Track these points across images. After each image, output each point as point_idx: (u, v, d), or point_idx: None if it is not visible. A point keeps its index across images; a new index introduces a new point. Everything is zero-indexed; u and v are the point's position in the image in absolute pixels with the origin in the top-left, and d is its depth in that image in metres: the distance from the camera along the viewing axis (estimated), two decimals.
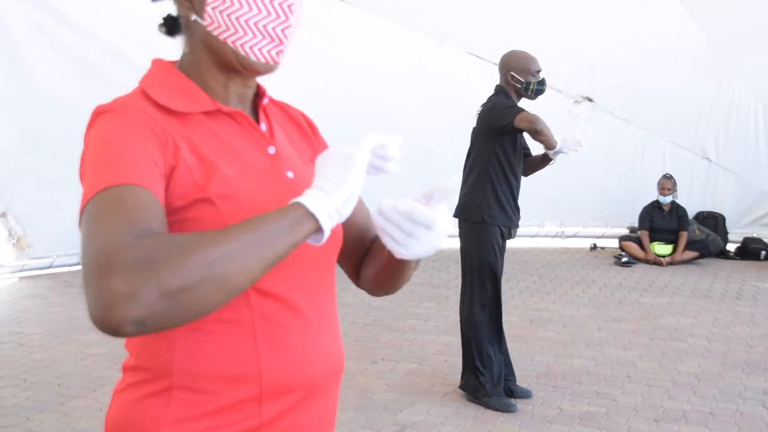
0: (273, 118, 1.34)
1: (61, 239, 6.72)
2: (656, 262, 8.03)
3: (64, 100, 6.44)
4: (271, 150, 1.27)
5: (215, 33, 1.21)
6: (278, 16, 1.20)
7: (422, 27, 7.88)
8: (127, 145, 1.12)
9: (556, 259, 8.31)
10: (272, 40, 1.21)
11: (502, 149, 4.15)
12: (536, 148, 4.39)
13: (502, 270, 4.33)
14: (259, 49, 1.21)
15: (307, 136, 1.42)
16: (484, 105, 4.24)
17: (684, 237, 8.15)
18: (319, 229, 1.09)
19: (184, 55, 1.29)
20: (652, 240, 8.22)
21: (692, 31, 7.92)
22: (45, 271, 6.83)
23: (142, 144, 1.13)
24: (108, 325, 0.96)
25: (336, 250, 1.35)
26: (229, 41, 1.20)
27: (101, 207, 1.05)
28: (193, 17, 1.23)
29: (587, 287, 6.99)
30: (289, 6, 1.21)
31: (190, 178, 1.15)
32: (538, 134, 4.05)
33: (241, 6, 1.18)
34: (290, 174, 1.28)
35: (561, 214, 9.00)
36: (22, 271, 6.77)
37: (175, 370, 1.18)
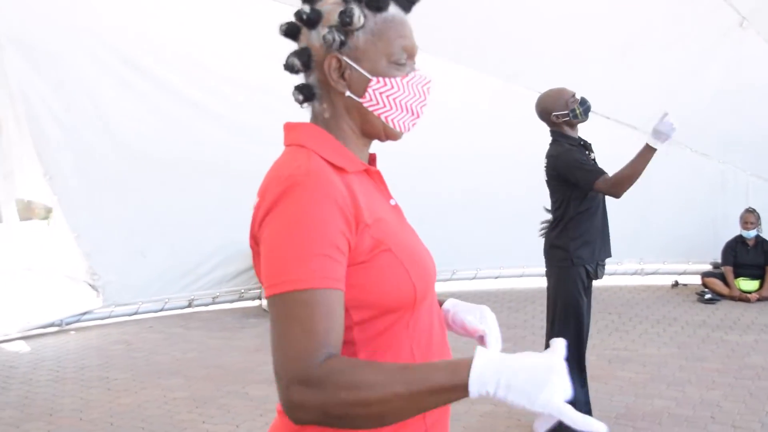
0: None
1: (145, 286, 6.97)
2: (742, 298, 7.79)
3: (144, 151, 6.73)
4: (392, 202, 1.49)
5: (371, 109, 1.41)
6: (421, 96, 1.44)
7: (491, 69, 7.95)
8: (320, 232, 1.24)
9: (636, 297, 8.15)
10: (412, 114, 1.45)
11: (579, 191, 4.13)
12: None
13: (588, 311, 4.28)
14: (403, 122, 1.44)
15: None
16: (550, 154, 4.22)
17: None
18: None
19: (324, 120, 1.44)
20: (736, 276, 7.98)
21: None
22: (130, 318, 7.07)
23: (334, 230, 1.26)
24: (287, 412, 1.21)
25: None
26: (382, 116, 1.42)
27: (292, 310, 1.21)
28: (348, 93, 1.40)
29: (668, 325, 6.83)
30: (429, 88, 1.46)
31: (370, 236, 1.32)
32: (628, 185, 4.02)
33: (399, 89, 1.41)
34: (407, 220, 1.52)
35: (640, 250, 8.82)
36: (109, 317, 7.02)
37: None
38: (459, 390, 1.15)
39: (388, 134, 1.45)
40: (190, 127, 6.99)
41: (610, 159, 7.80)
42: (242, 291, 7.80)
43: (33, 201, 7.01)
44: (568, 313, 4.16)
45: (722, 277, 8.04)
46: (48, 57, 6.54)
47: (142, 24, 6.67)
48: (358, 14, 1.36)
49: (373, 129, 1.44)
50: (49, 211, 7.12)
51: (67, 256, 6.96)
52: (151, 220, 6.93)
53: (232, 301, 7.72)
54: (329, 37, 1.37)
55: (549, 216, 4.37)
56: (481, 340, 1.51)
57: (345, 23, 1.36)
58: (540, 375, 1.14)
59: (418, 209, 7.84)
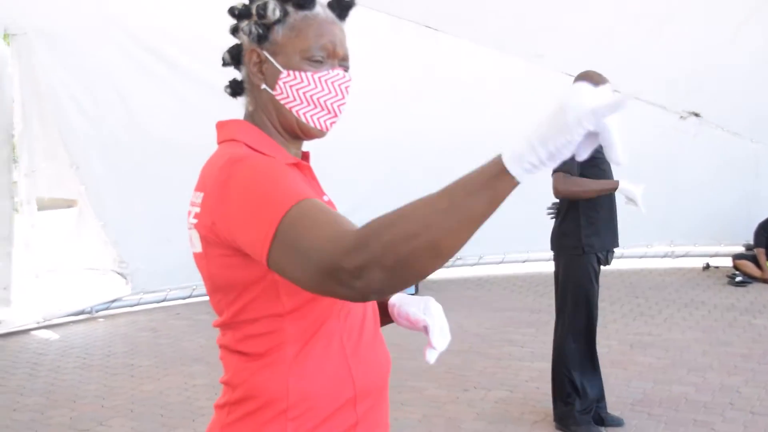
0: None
1: (173, 273, 7.07)
2: None
3: (170, 139, 6.81)
4: (326, 198, 1.49)
5: (282, 102, 1.45)
6: (336, 93, 1.45)
7: (516, 49, 7.88)
8: (282, 174, 1.30)
9: (666, 280, 8.05)
10: (326, 111, 1.45)
11: (589, 178, 4.09)
12: None
13: (597, 297, 4.25)
14: (316, 118, 1.45)
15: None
16: None
17: None
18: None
19: (249, 114, 1.51)
20: None
21: None
22: (159, 305, 7.20)
23: (287, 171, 1.32)
24: (352, 296, 1.16)
25: None
26: (293, 110, 1.45)
27: (295, 228, 1.20)
28: (263, 86, 1.46)
29: (695, 309, 6.74)
30: (346, 87, 1.46)
31: None
32: (572, 196, 4.05)
33: (309, 83, 1.43)
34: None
35: (670, 233, 8.72)
36: (138, 305, 7.15)
37: (290, 393, 1.36)
38: (501, 175, 1.10)
39: (303, 129, 1.46)
40: (214, 114, 7.02)
41: (636, 139, 7.77)
42: None
43: (54, 198, 7.13)
44: (578, 302, 4.13)
45: (754, 259, 7.92)
46: (74, 49, 6.63)
47: (167, 14, 6.73)
48: (272, 7, 1.41)
49: (288, 123, 1.46)
50: (71, 203, 7.23)
51: (91, 247, 7.08)
52: (177, 207, 6.94)
53: None
54: (247, 29, 1.44)
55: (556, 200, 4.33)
56: (426, 331, 1.50)
57: (260, 15, 1.42)
58: (558, 105, 1.09)
59: None
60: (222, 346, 1.44)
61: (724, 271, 8.23)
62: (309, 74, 1.43)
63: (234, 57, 1.50)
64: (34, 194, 6.67)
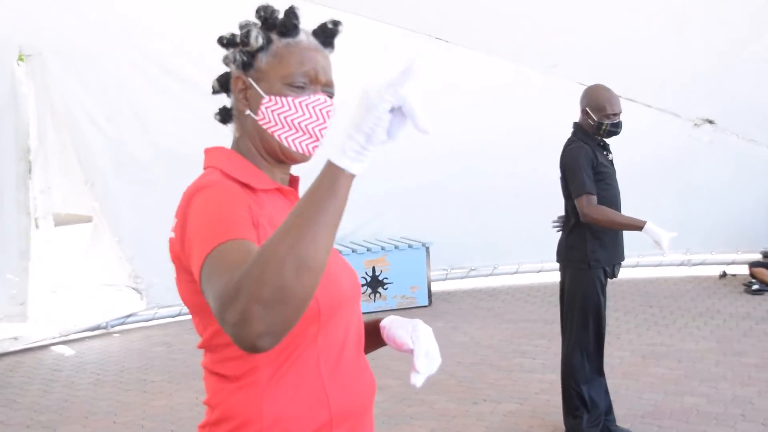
0: None
1: None
2: None
3: (184, 154, 6.85)
4: None
5: (264, 126, 1.48)
6: (318, 118, 1.48)
7: (529, 60, 7.88)
8: (231, 208, 1.33)
9: (681, 288, 7.99)
10: (308, 135, 1.48)
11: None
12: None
13: (605, 309, 4.23)
14: (298, 142, 1.48)
15: None
16: (564, 148, 4.18)
17: None
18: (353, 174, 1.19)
19: (236, 140, 1.55)
20: None
21: None
22: (174, 319, 7.25)
23: (241, 208, 1.35)
24: (247, 348, 1.15)
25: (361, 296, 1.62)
26: (275, 134, 1.48)
27: (215, 261, 1.23)
28: (248, 112, 1.50)
29: (710, 318, 6.69)
30: (327, 112, 1.49)
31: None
32: (602, 224, 4.02)
33: (290, 108, 1.47)
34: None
35: (686, 241, 8.61)
36: (153, 319, 7.21)
37: (264, 415, 1.37)
38: (335, 173, 1.18)
39: (285, 153, 1.49)
40: (228, 130, 7.09)
41: (650, 147, 7.75)
42: None
43: (71, 213, 7.21)
44: (587, 314, 4.12)
45: None
46: (88, 68, 6.72)
47: (181, 30, 6.79)
48: (255, 35, 1.46)
49: (271, 148, 1.49)
50: (87, 219, 7.31)
51: (107, 262, 7.15)
52: None
53: None
54: (232, 56, 1.49)
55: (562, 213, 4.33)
56: (412, 354, 1.51)
57: (244, 43, 1.47)
58: (362, 90, 1.18)
59: (459, 203, 7.93)
60: (203, 367, 1.47)
61: (740, 279, 8.15)
62: (290, 99, 1.46)
63: (222, 85, 1.56)
64: (50, 210, 6.75)
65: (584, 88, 4.26)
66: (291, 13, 1.49)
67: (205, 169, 1.50)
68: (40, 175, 6.81)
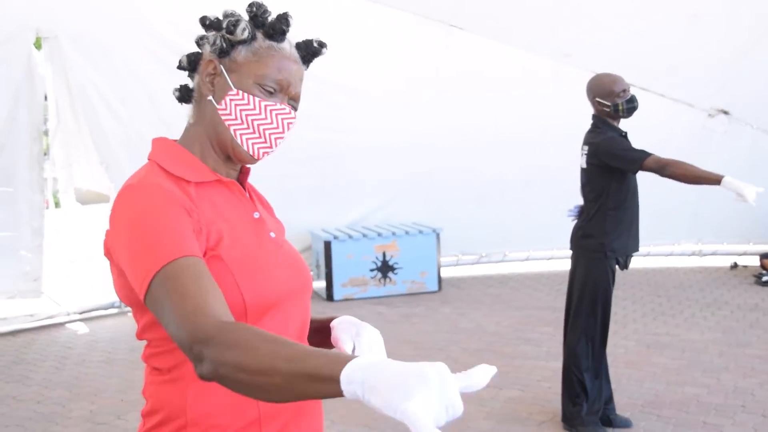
0: (252, 192, 1.60)
1: None
2: None
3: None
4: (256, 215, 1.50)
5: (223, 117, 1.46)
6: (278, 126, 1.47)
7: (543, 49, 7.87)
8: (169, 218, 1.31)
9: (691, 279, 7.99)
10: (263, 140, 1.47)
11: (617, 182, 4.10)
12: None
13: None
14: (252, 143, 1.46)
15: (272, 211, 1.66)
16: (591, 141, 4.18)
17: None
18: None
19: (189, 126, 1.52)
20: None
21: None
22: None
23: (178, 216, 1.33)
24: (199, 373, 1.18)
25: (310, 293, 1.57)
26: (231, 128, 1.46)
27: (163, 289, 1.23)
28: (209, 97, 1.47)
29: (718, 309, 6.70)
30: (288, 124, 1.48)
31: (204, 241, 1.37)
32: (680, 178, 3.99)
33: (254, 108, 1.45)
34: (272, 234, 1.52)
35: (698, 231, 8.64)
36: None
37: (188, 409, 1.38)
38: (333, 383, 1.05)
39: (235, 151, 1.47)
40: None
41: (663, 137, 7.73)
42: None
43: (91, 189, 7.32)
44: (596, 303, 4.15)
45: None
46: (103, 50, 6.79)
47: (194, 14, 6.82)
48: (243, 27, 1.44)
49: (223, 141, 1.47)
50: (106, 198, 7.42)
51: None
52: None
53: None
54: (212, 39, 1.46)
55: (580, 202, 4.35)
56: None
57: (229, 31, 1.44)
58: (406, 383, 0.99)
59: (470, 189, 7.96)
60: (143, 359, 1.46)
61: (751, 270, 8.15)
62: (257, 100, 1.45)
63: (191, 63, 1.52)
64: (71, 185, 6.86)
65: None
66: (284, 18, 1.47)
67: (148, 160, 1.48)
68: (61, 153, 6.91)
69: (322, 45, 1.51)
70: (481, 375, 1.07)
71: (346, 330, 1.48)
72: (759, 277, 7.71)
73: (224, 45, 1.45)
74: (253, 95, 1.45)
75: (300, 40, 1.52)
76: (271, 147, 1.48)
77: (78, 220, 7.10)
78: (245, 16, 1.48)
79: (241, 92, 1.45)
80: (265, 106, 1.45)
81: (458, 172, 8.07)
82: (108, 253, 1.39)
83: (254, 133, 1.46)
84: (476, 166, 8.08)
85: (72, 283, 7.04)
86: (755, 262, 8.20)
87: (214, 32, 1.48)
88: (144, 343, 1.44)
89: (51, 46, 6.69)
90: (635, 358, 5.35)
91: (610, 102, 4.08)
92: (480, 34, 7.75)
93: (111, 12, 6.66)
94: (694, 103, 8.23)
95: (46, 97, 7.03)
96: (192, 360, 1.17)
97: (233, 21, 1.45)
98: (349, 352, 1.43)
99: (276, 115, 1.46)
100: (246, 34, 1.44)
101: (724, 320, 6.33)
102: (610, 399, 4.27)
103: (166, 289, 1.22)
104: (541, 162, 8.00)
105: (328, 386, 1.06)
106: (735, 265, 8.43)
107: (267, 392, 1.12)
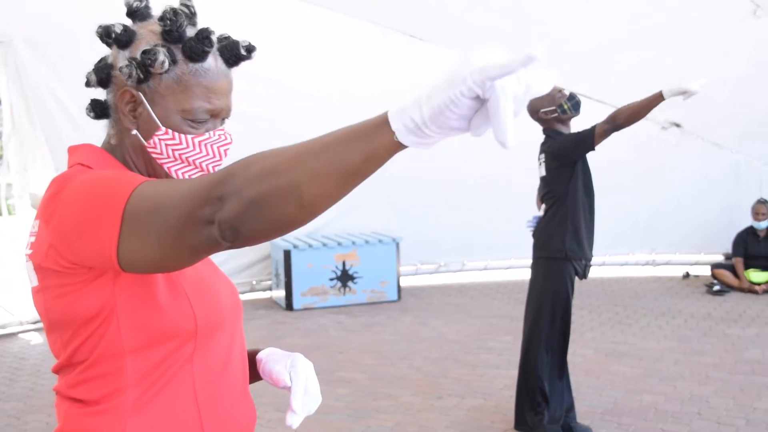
0: None
1: None
2: (751, 290, 7.75)
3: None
4: None
5: (154, 156, 1.31)
6: (215, 156, 1.33)
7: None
8: (117, 173, 1.21)
9: (645, 288, 8.14)
10: (201, 170, 1.33)
11: (573, 186, 4.17)
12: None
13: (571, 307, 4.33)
14: (189, 176, 1.33)
15: None
16: (546, 149, 4.26)
17: None
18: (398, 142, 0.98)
19: (111, 146, 1.35)
20: (747, 267, 7.94)
21: None
22: None
23: (128, 172, 1.25)
24: (217, 234, 1.03)
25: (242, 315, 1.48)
26: (164, 166, 1.32)
27: (146, 197, 1.09)
28: (134, 132, 1.30)
29: (672, 318, 6.83)
30: (225, 150, 1.34)
31: None
32: (630, 119, 4.10)
33: (188, 146, 1.30)
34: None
35: (652, 241, 8.82)
36: None
37: None
38: (382, 127, 0.96)
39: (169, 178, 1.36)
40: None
41: (621, 148, 7.88)
42: (254, 282, 7.95)
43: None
44: (556, 309, 4.20)
45: (733, 269, 8.01)
46: (60, 54, 6.68)
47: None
48: (161, 60, 1.24)
49: (155, 173, 1.34)
50: None
51: None
52: None
53: (243, 292, 7.86)
54: (126, 71, 1.26)
55: (540, 213, 4.41)
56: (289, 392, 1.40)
57: (146, 64, 1.25)
58: (450, 68, 0.95)
59: (429, 199, 8.01)
60: (56, 392, 1.32)
61: (703, 279, 8.33)
62: (189, 138, 1.30)
63: (101, 81, 1.33)
64: (26, 191, 6.73)
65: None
66: (205, 39, 1.27)
67: (69, 167, 1.31)
68: (15, 159, 6.78)
69: (250, 50, 1.33)
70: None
71: (280, 361, 1.42)
72: (710, 286, 7.88)
73: (141, 75, 1.26)
74: (184, 133, 1.29)
75: (224, 43, 1.32)
76: (208, 173, 1.32)
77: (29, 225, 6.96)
78: (158, 23, 1.29)
79: (170, 132, 1.29)
80: (200, 142, 1.31)
81: (417, 181, 8.11)
82: (43, 262, 1.23)
83: (189, 166, 1.32)
84: (435, 176, 8.13)
85: (25, 292, 6.87)
86: (706, 272, 8.39)
87: (124, 51, 1.29)
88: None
89: (6, 50, 6.57)
90: (594, 367, 5.43)
91: (554, 105, 4.16)
92: (441, 45, 7.81)
93: (69, 16, 6.55)
94: (649, 116, 8.37)
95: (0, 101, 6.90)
96: (201, 224, 1.03)
97: (150, 52, 1.24)
98: (287, 383, 1.38)
99: (212, 146, 1.32)
100: (166, 66, 1.25)
101: (678, 329, 6.45)
102: (571, 407, 4.32)
103: (145, 203, 1.09)
104: (499, 172, 8.08)
105: (375, 134, 0.97)
106: (687, 275, 8.61)
107: (299, 188, 0.98)
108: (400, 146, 0.98)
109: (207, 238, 1.04)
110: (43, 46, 6.61)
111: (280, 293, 7.52)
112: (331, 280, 7.50)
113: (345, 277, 7.55)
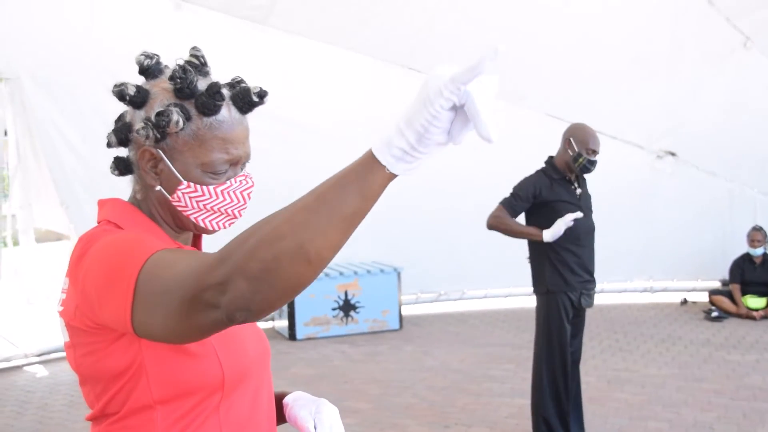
0: None
1: None
2: (749, 316, 7.84)
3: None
4: None
5: (180, 209, 1.35)
6: (239, 201, 1.36)
7: (498, 92, 8.07)
8: (136, 239, 1.24)
9: (644, 315, 8.22)
10: (228, 216, 1.37)
11: (546, 219, 4.23)
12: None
13: (577, 338, 4.38)
14: (217, 223, 1.37)
15: None
16: None
17: None
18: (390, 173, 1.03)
19: (137, 200, 1.39)
20: (744, 293, 8.04)
21: None
22: None
23: (146, 236, 1.28)
24: (224, 319, 1.06)
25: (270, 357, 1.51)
26: (191, 217, 1.36)
27: (156, 271, 1.13)
28: (158, 188, 1.34)
29: (672, 344, 6.90)
30: (249, 194, 1.37)
31: None
32: (501, 231, 4.36)
33: (211, 196, 1.33)
34: None
35: (649, 268, 8.91)
36: None
37: None
38: (371, 165, 1.02)
39: (199, 230, 1.40)
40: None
41: (615, 177, 7.99)
42: None
43: (50, 230, 7.24)
44: (550, 341, 4.27)
45: (730, 295, 8.10)
46: (65, 90, 6.78)
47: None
48: (176, 119, 1.28)
49: (183, 225, 1.39)
50: (63, 236, 7.36)
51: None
52: None
53: None
54: (143, 132, 1.30)
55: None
56: None
57: (161, 125, 1.28)
58: (422, 82, 1.02)
59: (428, 228, 8.09)
60: None
61: (700, 306, 8.41)
62: (211, 188, 1.33)
63: (122, 141, 1.37)
64: (30, 225, 6.79)
65: (551, 119, 4.48)
66: (216, 93, 1.29)
67: (98, 222, 1.36)
68: (20, 192, 6.85)
69: (262, 95, 1.34)
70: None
71: (305, 406, 1.44)
72: (708, 312, 7.96)
73: (158, 136, 1.30)
74: (206, 184, 1.33)
75: (236, 90, 1.34)
76: (235, 218, 1.38)
77: (36, 259, 7.01)
78: (168, 81, 1.32)
79: (192, 184, 1.32)
80: (222, 191, 1.34)
81: (416, 211, 8.19)
82: (71, 321, 1.28)
83: (215, 213, 1.36)
84: (433, 205, 8.21)
85: (30, 324, 6.91)
86: (704, 298, 8.47)
87: (142, 119, 1.31)
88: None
89: (12, 87, 6.66)
90: (597, 394, 5.48)
91: (578, 149, 4.23)
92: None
93: (73, 53, 6.66)
94: (644, 145, 8.53)
95: (6, 133, 6.98)
96: (205, 307, 1.06)
97: (164, 113, 1.28)
98: (311, 430, 1.40)
99: (236, 192, 1.35)
100: (181, 124, 1.28)
101: (678, 355, 6.52)
102: None
103: (155, 276, 1.13)
104: (496, 202, 8.15)
105: (366, 172, 1.02)
106: (685, 301, 8.69)
107: (304, 246, 1.00)
108: (392, 177, 1.03)
109: (213, 321, 1.08)
110: (49, 83, 6.70)
111: (283, 323, 7.56)
112: (334, 309, 7.55)
113: (347, 307, 7.60)
